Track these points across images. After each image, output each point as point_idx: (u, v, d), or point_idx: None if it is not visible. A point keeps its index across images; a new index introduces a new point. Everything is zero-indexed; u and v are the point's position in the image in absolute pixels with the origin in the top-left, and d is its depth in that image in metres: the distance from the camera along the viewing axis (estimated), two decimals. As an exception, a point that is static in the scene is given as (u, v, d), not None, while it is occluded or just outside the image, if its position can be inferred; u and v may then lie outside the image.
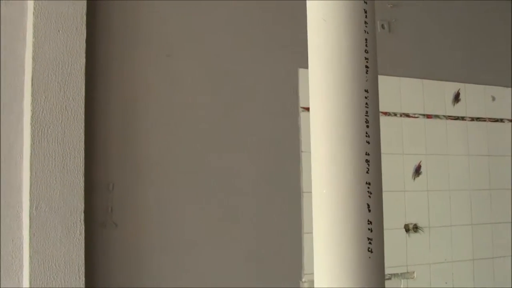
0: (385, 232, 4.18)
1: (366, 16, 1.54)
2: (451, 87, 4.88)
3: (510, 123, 5.17)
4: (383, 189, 4.21)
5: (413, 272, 4.54)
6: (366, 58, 1.53)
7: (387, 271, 4.36)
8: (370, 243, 1.47)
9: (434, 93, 4.79)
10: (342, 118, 1.49)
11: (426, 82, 4.76)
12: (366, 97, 1.51)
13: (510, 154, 5.13)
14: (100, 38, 3.64)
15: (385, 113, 4.52)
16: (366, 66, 1.53)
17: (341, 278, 1.47)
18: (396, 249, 4.49)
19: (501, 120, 5.13)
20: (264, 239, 4.00)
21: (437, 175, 4.73)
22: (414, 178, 4.62)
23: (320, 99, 1.54)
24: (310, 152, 4.14)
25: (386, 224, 4.20)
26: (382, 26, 4.63)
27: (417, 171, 4.63)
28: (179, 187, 3.76)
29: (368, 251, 1.47)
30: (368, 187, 1.48)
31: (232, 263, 3.88)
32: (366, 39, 1.53)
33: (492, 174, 5.02)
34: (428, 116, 4.74)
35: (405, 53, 4.72)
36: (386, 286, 4.28)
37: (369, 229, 1.47)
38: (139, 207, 3.64)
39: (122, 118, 3.64)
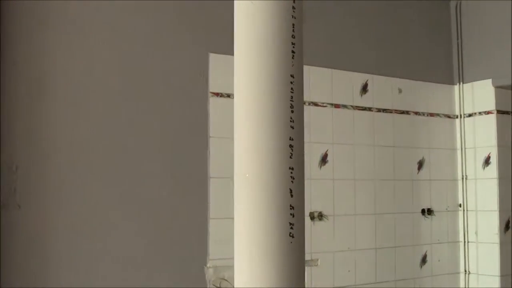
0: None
1: (294, 1, 1.52)
2: (359, 78, 4.95)
3: (415, 115, 5.27)
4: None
5: (317, 260, 4.59)
6: (292, 44, 1.51)
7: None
8: (291, 228, 1.45)
9: (342, 83, 4.85)
10: (267, 103, 1.47)
11: (335, 72, 4.81)
12: (291, 82, 1.49)
13: (414, 146, 5.24)
14: (6, 15, 3.51)
15: (295, 101, 4.53)
16: (293, 52, 1.51)
17: (262, 263, 1.45)
18: (301, 236, 4.51)
19: (407, 112, 5.24)
20: (169, 224, 3.97)
21: (343, 164, 4.79)
22: (321, 167, 4.66)
23: (245, 83, 1.51)
24: (218, 138, 4.13)
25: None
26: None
27: (324, 159, 4.68)
28: (85, 170, 3.68)
29: (290, 236, 1.45)
30: (291, 172, 1.47)
31: (136, 248, 3.83)
32: (293, 24, 1.51)
33: (396, 165, 5.12)
34: (336, 106, 4.79)
35: (315, 43, 4.75)
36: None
37: (291, 214, 1.46)
38: (44, 188, 3.55)
39: (29, 98, 3.53)
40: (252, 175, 1.47)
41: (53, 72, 3.63)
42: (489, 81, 5.36)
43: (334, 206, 4.73)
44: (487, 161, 5.35)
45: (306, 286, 4.48)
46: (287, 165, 1.47)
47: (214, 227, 4.14)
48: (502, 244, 5.27)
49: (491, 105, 5.35)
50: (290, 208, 1.47)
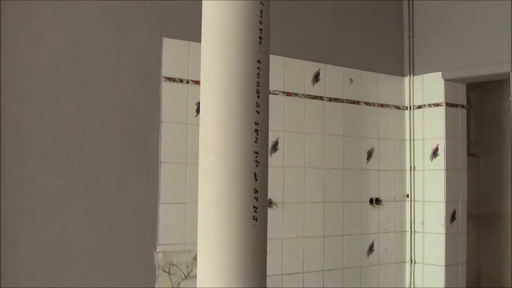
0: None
1: (262, -12, 1.53)
2: (311, 67, 4.98)
3: (366, 106, 5.32)
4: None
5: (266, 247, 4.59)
6: (260, 29, 1.53)
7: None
8: (255, 211, 1.47)
9: (294, 72, 4.87)
10: (234, 87, 1.48)
11: (288, 60, 4.82)
12: (258, 68, 1.51)
13: (364, 136, 5.29)
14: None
15: (247, 88, 4.54)
16: (260, 37, 1.53)
17: (226, 246, 1.46)
18: (251, 223, 4.53)
19: (358, 102, 5.28)
20: (118, 209, 3.95)
21: (293, 152, 4.82)
22: (271, 154, 4.68)
23: (212, 67, 1.52)
24: (170, 122, 4.11)
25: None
26: (248, 2, 4.62)
27: (274, 147, 4.70)
28: (35, 152, 3.65)
29: (253, 219, 1.47)
30: (256, 156, 1.49)
31: (84, 232, 3.81)
32: (261, 10, 1.53)
33: (346, 155, 5.17)
34: (288, 94, 4.81)
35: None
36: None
37: (255, 197, 1.48)
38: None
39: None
40: (217, 158, 1.48)
41: (5, 52, 3.57)
42: (439, 73, 5.43)
43: (284, 193, 4.75)
44: (435, 153, 5.43)
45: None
46: (252, 149, 1.49)
47: (164, 212, 4.13)
48: (447, 234, 5.36)
49: (440, 98, 5.42)
50: (254, 192, 1.49)
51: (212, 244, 1.47)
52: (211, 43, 1.51)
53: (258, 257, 1.51)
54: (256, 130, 1.48)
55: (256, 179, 1.48)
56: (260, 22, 1.51)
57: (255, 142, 1.48)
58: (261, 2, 1.51)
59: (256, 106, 1.48)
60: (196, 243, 1.54)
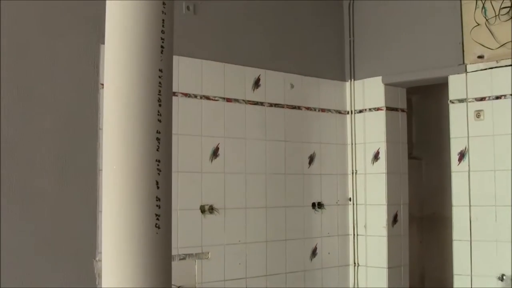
0: (181, 213, 4.24)
1: (164, -3, 1.54)
2: (252, 73, 5.00)
3: (307, 111, 5.36)
4: (180, 169, 4.24)
5: (208, 253, 4.62)
6: (162, 39, 1.53)
7: (182, 251, 4.43)
8: (158, 219, 1.48)
9: (235, 78, 4.89)
10: (134, 96, 1.49)
11: (228, 66, 4.84)
12: (160, 77, 1.52)
13: (305, 141, 5.33)
14: None
15: (186, 94, 4.56)
16: (162, 46, 1.53)
17: (129, 253, 1.47)
18: (191, 229, 4.55)
19: (299, 108, 5.32)
20: (58, 218, 3.92)
21: (234, 158, 4.84)
22: (212, 160, 4.69)
23: (114, 76, 1.53)
24: (108, 130, 4.08)
25: (182, 205, 4.26)
26: (188, 8, 4.65)
27: (215, 153, 4.71)
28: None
29: (156, 227, 1.48)
30: (158, 165, 1.49)
31: (23, 240, 3.76)
32: (163, 20, 1.53)
33: (287, 160, 5.19)
34: (228, 100, 4.82)
35: (209, 36, 4.78)
36: (180, 266, 4.33)
37: (157, 205, 1.48)
38: None
39: None
40: (119, 167, 1.48)
41: None
42: (379, 78, 5.51)
43: (225, 199, 4.76)
44: (376, 156, 5.50)
45: (197, 279, 4.51)
46: (154, 157, 1.49)
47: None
48: (390, 237, 5.43)
49: (380, 102, 5.50)
50: (157, 200, 1.49)
51: (115, 251, 1.48)
52: (113, 52, 1.52)
53: (161, 264, 1.51)
54: (158, 139, 1.49)
55: (158, 187, 1.49)
56: (162, 32, 1.52)
57: (157, 150, 1.49)
58: (163, 12, 1.52)
59: (158, 114, 1.49)
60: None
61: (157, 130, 1.49)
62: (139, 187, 1.47)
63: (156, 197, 1.48)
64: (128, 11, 1.50)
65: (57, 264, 3.91)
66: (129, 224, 1.46)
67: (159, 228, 1.49)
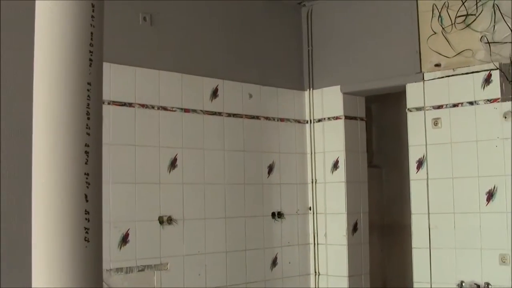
0: (139, 224, 4.21)
1: (93, 11, 1.53)
2: (209, 83, 5.00)
3: (266, 120, 5.36)
4: (138, 181, 4.22)
5: (167, 264, 4.60)
6: (90, 52, 1.52)
7: (140, 262, 4.40)
8: (87, 232, 1.46)
9: (192, 88, 4.88)
10: (62, 109, 1.47)
11: (185, 76, 4.84)
12: (88, 90, 1.50)
13: (265, 151, 5.33)
14: None
15: (143, 106, 4.55)
16: (90, 60, 1.52)
17: (58, 267, 1.45)
18: (150, 241, 4.53)
19: (257, 117, 5.32)
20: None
21: (193, 169, 4.83)
22: (170, 171, 4.67)
23: (42, 89, 1.51)
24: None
25: (140, 216, 4.23)
26: (144, 19, 4.64)
27: (173, 164, 4.69)
28: None
29: (85, 240, 1.46)
30: (87, 178, 1.48)
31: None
32: (91, 33, 1.52)
33: (246, 170, 5.19)
34: (186, 110, 4.82)
35: (165, 47, 4.77)
36: (139, 278, 4.30)
37: (86, 219, 1.46)
38: None
39: None
40: (48, 180, 1.47)
41: None
42: (338, 87, 5.54)
43: (184, 210, 4.75)
44: (335, 165, 5.52)
45: (155, 290, 4.48)
46: (83, 170, 1.48)
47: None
48: (350, 245, 5.45)
49: (339, 111, 5.52)
50: (85, 213, 1.48)
51: (44, 265, 1.46)
52: (41, 65, 1.50)
53: (91, 277, 1.50)
54: (86, 152, 1.47)
55: (87, 200, 1.48)
56: (91, 45, 1.51)
57: (86, 163, 1.47)
58: (91, 25, 1.50)
59: (87, 128, 1.48)
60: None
61: (86, 143, 1.48)
62: (67, 201, 1.46)
63: (85, 211, 1.47)
64: (56, 25, 1.49)
65: None
66: (58, 238, 1.45)
67: (88, 241, 1.47)
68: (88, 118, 1.49)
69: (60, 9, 1.50)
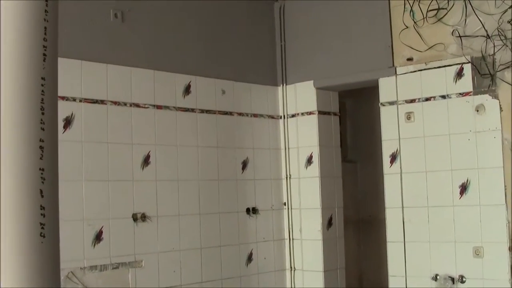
0: (113, 222, 4.19)
1: (47, 5, 1.51)
2: (182, 79, 4.99)
3: (239, 116, 5.36)
4: (111, 178, 4.20)
5: (141, 261, 4.59)
6: (44, 46, 1.50)
7: (115, 260, 4.39)
8: (42, 228, 1.45)
9: (165, 85, 4.87)
10: (15, 104, 1.46)
11: (158, 73, 4.82)
12: (42, 85, 1.49)
13: (238, 146, 5.34)
14: None
15: (115, 103, 4.53)
16: (44, 54, 1.50)
17: (14, 263, 1.44)
18: (124, 238, 4.52)
19: (231, 113, 5.32)
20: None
21: (166, 165, 4.82)
22: (143, 168, 4.66)
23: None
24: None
25: (113, 214, 4.22)
26: (115, 15, 4.62)
27: (146, 161, 4.68)
28: None
29: (41, 236, 1.45)
30: (42, 173, 1.46)
31: None
32: (45, 27, 1.51)
33: (220, 166, 5.19)
34: (159, 107, 4.80)
35: (137, 44, 4.75)
36: (114, 275, 4.28)
37: (41, 214, 1.45)
38: None
39: None
40: (2, 175, 1.45)
41: None
42: (311, 82, 5.54)
43: (158, 207, 4.74)
44: (309, 161, 5.53)
45: (130, 287, 4.47)
46: (37, 166, 1.47)
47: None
48: (325, 240, 5.47)
49: (312, 106, 5.53)
50: (41, 209, 1.47)
51: (1, 261, 1.45)
52: (-7, 61, 1.49)
53: (48, 273, 1.49)
54: (41, 147, 1.46)
55: (42, 196, 1.46)
56: (45, 39, 1.50)
57: (41, 159, 1.46)
58: (45, 19, 1.49)
59: (41, 123, 1.47)
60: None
61: (40, 139, 1.46)
62: (22, 196, 1.44)
63: (41, 206, 1.46)
64: (8, 19, 1.47)
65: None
66: (14, 233, 1.44)
67: (44, 237, 1.46)
68: (43, 113, 1.47)
69: (12, 4, 1.49)
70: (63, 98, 4.25)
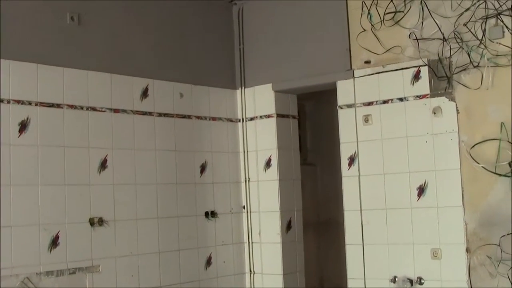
0: (69, 226, 4.18)
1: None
2: (139, 83, 4.97)
3: (197, 120, 5.35)
4: (68, 182, 4.18)
5: (99, 266, 4.55)
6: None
7: (71, 265, 4.35)
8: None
9: (122, 88, 4.85)
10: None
11: (115, 76, 4.79)
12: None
13: (197, 150, 5.32)
14: None
15: (71, 106, 4.50)
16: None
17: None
18: (81, 243, 4.48)
19: (189, 117, 5.30)
20: None
21: (124, 169, 4.79)
22: (100, 172, 4.62)
23: None
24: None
25: (70, 218, 4.20)
26: (72, 18, 4.59)
27: (103, 165, 4.65)
28: None
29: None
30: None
31: None
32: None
33: (179, 169, 5.17)
34: (116, 111, 4.78)
35: (94, 47, 4.72)
36: (71, 280, 4.25)
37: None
38: None
39: None
40: None
41: None
42: (269, 85, 5.55)
43: (115, 211, 4.70)
44: (268, 164, 5.53)
45: (87, 293, 4.43)
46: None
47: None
48: (284, 243, 5.47)
49: (271, 109, 5.54)
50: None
51: None
52: None
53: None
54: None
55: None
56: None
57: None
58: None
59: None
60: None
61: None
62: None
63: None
64: None
65: None
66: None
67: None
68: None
69: None
70: (18, 101, 4.21)
